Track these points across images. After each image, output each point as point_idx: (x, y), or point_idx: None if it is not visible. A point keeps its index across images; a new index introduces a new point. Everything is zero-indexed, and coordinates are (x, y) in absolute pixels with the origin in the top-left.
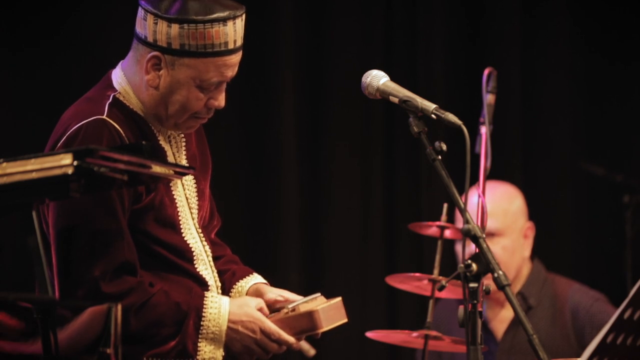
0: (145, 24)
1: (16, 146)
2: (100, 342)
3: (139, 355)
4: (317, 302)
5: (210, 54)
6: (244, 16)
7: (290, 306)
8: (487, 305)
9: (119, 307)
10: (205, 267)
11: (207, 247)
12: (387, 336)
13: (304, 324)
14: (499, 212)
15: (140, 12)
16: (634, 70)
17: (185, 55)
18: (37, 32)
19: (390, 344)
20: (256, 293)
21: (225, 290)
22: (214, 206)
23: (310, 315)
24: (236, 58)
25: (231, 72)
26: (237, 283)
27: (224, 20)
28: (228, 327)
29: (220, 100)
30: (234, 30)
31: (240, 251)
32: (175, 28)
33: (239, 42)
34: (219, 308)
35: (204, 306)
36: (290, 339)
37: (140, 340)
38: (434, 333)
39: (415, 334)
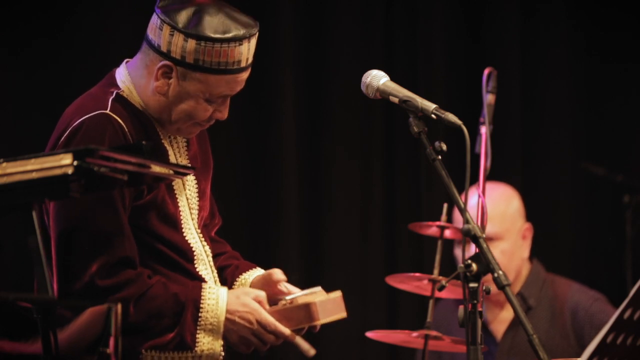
0: (160, 33)
1: (16, 146)
2: (100, 342)
3: (138, 346)
4: (316, 295)
5: (224, 71)
6: (257, 34)
7: (288, 298)
8: (486, 307)
9: (119, 307)
10: (205, 267)
11: (206, 247)
12: (387, 336)
13: (301, 316)
14: (496, 216)
15: (156, 21)
16: (634, 71)
17: (198, 70)
18: (37, 32)
19: (390, 344)
20: (264, 280)
21: (229, 284)
22: (215, 206)
23: (307, 307)
24: (246, 74)
25: (239, 87)
26: (240, 276)
27: (240, 40)
28: (226, 318)
29: (224, 112)
30: (247, 49)
31: (240, 251)
32: (191, 43)
33: (251, 60)
34: (216, 299)
35: (202, 297)
36: (286, 331)
37: (139, 331)
38: (434, 333)
39: (415, 334)
